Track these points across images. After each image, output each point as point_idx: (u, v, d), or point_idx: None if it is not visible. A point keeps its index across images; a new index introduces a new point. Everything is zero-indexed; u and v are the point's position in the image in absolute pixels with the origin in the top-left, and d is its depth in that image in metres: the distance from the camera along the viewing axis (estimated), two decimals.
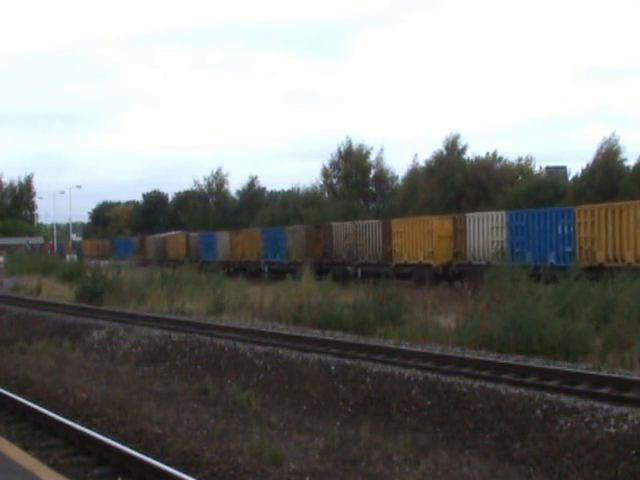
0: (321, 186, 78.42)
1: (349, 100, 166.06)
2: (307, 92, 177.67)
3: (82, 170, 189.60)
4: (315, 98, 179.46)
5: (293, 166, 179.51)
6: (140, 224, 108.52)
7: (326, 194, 77.85)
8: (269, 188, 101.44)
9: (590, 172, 53.26)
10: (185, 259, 51.70)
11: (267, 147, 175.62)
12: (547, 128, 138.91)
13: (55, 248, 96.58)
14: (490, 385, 12.66)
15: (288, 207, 77.22)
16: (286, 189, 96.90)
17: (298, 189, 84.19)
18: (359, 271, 41.83)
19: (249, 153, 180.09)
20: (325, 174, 77.16)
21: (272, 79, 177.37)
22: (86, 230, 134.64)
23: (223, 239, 59.07)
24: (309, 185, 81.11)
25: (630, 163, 52.99)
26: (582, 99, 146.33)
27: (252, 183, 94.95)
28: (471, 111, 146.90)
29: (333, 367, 15.07)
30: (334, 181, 77.15)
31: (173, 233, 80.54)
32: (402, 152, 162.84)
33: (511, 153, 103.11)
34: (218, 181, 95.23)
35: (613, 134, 54.42)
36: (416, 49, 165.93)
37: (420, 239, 39.38)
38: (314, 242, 48.51)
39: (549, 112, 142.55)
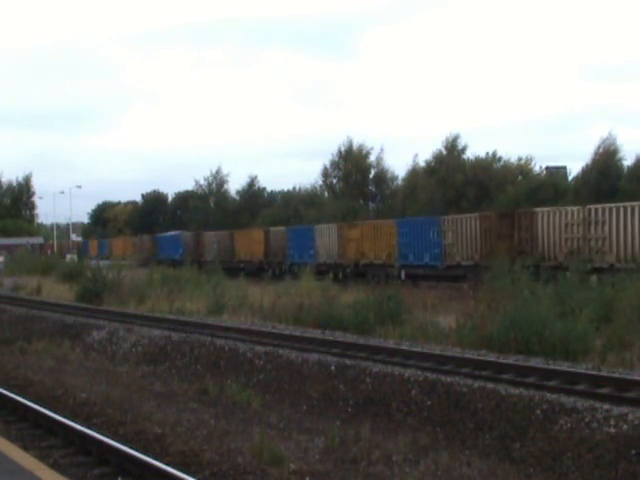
0: (320, 186, 78.56)
1: (350, 100, 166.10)
2: (309, 91, 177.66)
3: (82, 170, 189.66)
4: (317, 97, 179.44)
5: (293, 166, 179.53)
6: (139, 224, 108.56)
7: (326, 194, 77.94)
8: (269, 188, 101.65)
9: (588, 172, 53.35)
10: (264, 261, 47.79)
11: (267, 147, 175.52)
12: (547, 128, 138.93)
13: (59, 247, 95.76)
14: (490, 385, 12.66)
15: (289, 207, 77.35)
16: (286, 189, 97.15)
17: (299, 189, 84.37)
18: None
19: (249, 153, 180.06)
20: (325, 174, 77.27)
21: (273, 78, 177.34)
22: (86, 230, 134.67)
23: (327, 234, 46.55)
24: (309, 185, 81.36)
25: (629, 163, 53.14)
26: (583, 99, 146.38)
27: (252, 183, 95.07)
28: (471, 111, 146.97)
29: (333, 367, 15.08)
30: (334, 181, 77.25)
31: (248, 229, 63.53)
32: (402, 152, 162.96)
33: (511, 153, 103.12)
34: (218, 181, 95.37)
35: (610, 134, 54.55)
36: (416, 48, 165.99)
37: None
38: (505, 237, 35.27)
39: (549, 112, 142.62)
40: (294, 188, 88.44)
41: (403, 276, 37.41)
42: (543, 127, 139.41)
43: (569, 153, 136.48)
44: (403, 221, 42.80)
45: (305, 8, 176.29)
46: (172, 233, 76.68)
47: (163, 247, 67.83)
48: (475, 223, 35.61)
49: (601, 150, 53.31)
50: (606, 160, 52.41)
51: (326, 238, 45.62)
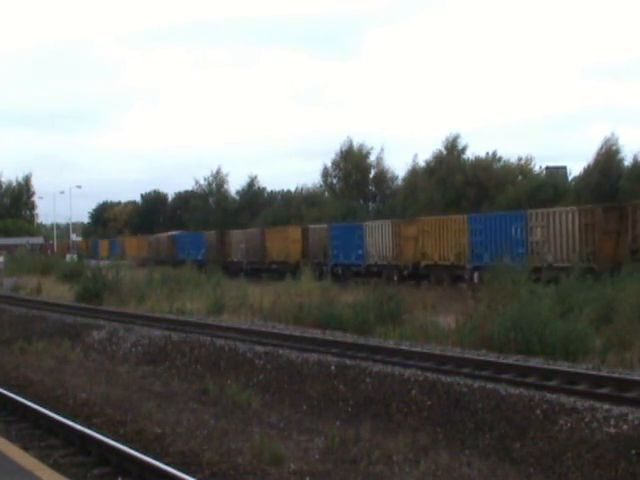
0: (321, 186, 78.56)
1: (350, 99, 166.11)
2: (309, 91, 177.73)
3: (83, 170, 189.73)
4: (317, 97, 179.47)
5: (293, 166, 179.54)
6: (139, 224, 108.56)
7: (326, 194, 77.95)
8: (269, 188, 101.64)
9: (589, 172, 53.35)
10: (301, 262, 41.68)
11: (267, 147, 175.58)
12: (547, 128, 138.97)
13: (59, 247, 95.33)
14: (490, 385, 12.66)
15: (290, 207, 77.33)
16: (286, 189, 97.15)
17: (301, 189, 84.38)
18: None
19: (249, 153, 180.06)
20: (325, 174, 77.27)
21: (273, 78, 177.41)
22: (86, 230, 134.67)
23: (380, 232, 41.48)
24: (310, 185, 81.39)
25: (629, 162, 53.09)
26: (583, 98, 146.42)
27: (252, 183, 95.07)
28: (471, 111, 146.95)
29: (333, 367, 15.08)
30: (334, 181, 77.26)
31: (283, 226, 57.91)
32: (402, 152, 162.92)
33: (511, 153, 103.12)
34: (218, 181, 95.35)
35: (612, 134, 54.54)
36: (416, 49, 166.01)
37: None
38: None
39: (549, 112, 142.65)
40: (297, 188, 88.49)
41: (476, 278, 32.54)
42: (543, 127, 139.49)
43: (569, 153, 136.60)
44: (477, 216, 37.96)
45: (305, 8, 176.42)
46: (190, 233, 72.52)
47: (183, 247, 63.37)
48: (573, 217, 31.31)
49: (603, 150, 53.29)
50: (607, 160, 52.39)
51: (378, 236, 41.19)
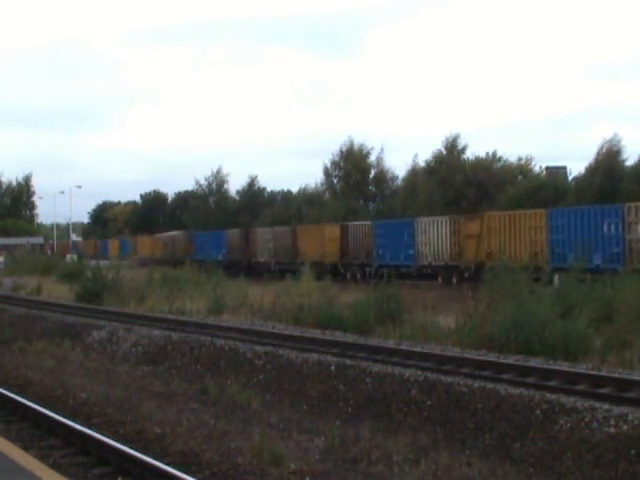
0: (322, 184, 78.50)
1: (350, 99, 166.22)
2: (309, 91, 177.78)
3: (83, 169, 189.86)
4: (317, 97, 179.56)
5: (293, 166, 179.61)
6: (139, 224, 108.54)
7: (327, 194, 77.91)
8: (269, 188, 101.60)
9: (590, 172, 53.30)
10: (339, 263, 40.39)
11: (267, 147, 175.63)
12: (547, 128, 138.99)
13: (59, 247, 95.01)
14: (490, 385, 12.66)
15: (291, 207, 77.28)
16: (286, 189, 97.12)
17: (303, 189, 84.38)
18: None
19: (249, 153, 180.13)
20: (327, 173, 77.23)
21: (274, 77, 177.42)
22: (86, 230, 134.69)
23: (434, 229, 37.62)
24: (312, 185, 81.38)
25: (631, 162, 53.04)
26: (583, 98, 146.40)
27: (252, 183, 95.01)
28: (471, 111, 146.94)
29: (333, 367, 15.08)
30: (335, 181, 77.23)
31: (319, 224, 52.71)
32: (402, 152, 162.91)
33: (511, 153, 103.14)
34: (218, 181, 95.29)
35: (615, 134, 54.48)
36: (416, 49, 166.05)
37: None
38: None
39: (549, 112, 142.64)
40: (299, 189, 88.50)
41: (557, 282, 28.48)
42: (543, 127, 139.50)
43: (569, 153, 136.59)
44: (559, 211, 34.21)
45: (306, 7, 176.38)
46: (208, 232, 67.85)
47: (201, 246, 59.84)
48: None
49: (604, 150, 53.24)
50: (609, 161, 52.36)
51: (432, 234, 37.42)
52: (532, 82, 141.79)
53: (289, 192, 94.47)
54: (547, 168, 69.91)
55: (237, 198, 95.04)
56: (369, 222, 44.05)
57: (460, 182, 61.39)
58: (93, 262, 49.25)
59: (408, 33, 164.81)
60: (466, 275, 34.08)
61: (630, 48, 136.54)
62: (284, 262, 47.14)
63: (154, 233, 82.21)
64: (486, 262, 32.56)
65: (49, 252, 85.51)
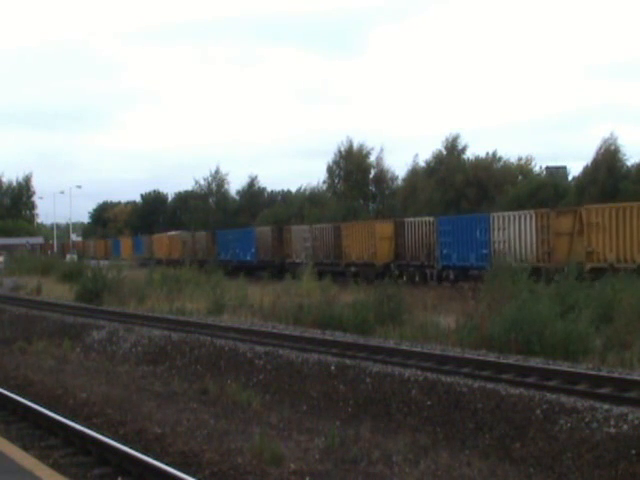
0: (325, 182, 78.51)
1: (350, 99, 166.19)
2: (310, 91, 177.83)
3: (83, 169, 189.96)
4: (318, 97, 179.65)
5: (293, 166, 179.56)
6: (139, 224, 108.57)
7: (327, 194, 77.96)
8: (270, 188, 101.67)
9: (590, 172, 53.32)
10: (394, 263, 35.76)
11: (267, 147, 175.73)
12: (547, 128, 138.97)
13: (60, 247, 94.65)
14: (490, 385, 12.66)
15: (292, 206, 77.27)
16: (286, 189, 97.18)
17: (305, 189, 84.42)
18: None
19: (249, 153, 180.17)
20: (330, 172, 77.22)
21: (275, 77, 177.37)
22: (86, 230, 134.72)
23: (514, 225, 33.27)
24: (314, 184, 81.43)
25: (632, 162, 53.06)
26: (583, 98, 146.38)
27: (252, 183, 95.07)
28: (471, 111, 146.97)
29: (333, 367, 15.07)
30: (336, 180, 77.29)
31: (368, 220, 49.90)
32: (402, 152, 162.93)
33: (511, 153, 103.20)
34: (218, 181, 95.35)
35: (612, 134, 54.52)
36: (416, 49, 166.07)
37: None
38: None
39: (549, 111, 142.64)
40: (299, 188, 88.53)
41: None
42: (543, 127, 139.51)
43: (569, 153, 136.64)
44: None
45: (306, 6, 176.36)
46: (236, 230, 62.67)
47: (226, 246, 54.90)
48: None
49: (602, 150, 53.29)
50: (607, 160, 52.39)
51: (513, 231, 32.99)
52: (532, 82, 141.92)
53: (289, 192, 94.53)
54: (547, 168, 70.01)
55: (237, 198, 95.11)
56: (431, 218, 39.44)
57: (460, 182, 61.42)
58: (93, 262, 49.12)
59: (408, 33, 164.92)
60: (556, 278, 25.88)
61: (630, 47, 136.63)
62: (326, 263, 42.65)
63: (154, 233, 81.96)
64: (586, 263, 28.80)
65: (49, 252, 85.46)
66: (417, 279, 36.37)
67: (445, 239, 36.40)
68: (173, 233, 73.61)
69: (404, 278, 30.47)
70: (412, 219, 41.03)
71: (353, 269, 39.16)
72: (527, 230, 32.44)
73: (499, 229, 33.66)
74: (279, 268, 43.99)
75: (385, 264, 38.26)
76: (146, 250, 68.30)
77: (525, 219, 32.80)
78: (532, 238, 32.18)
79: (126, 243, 78.02)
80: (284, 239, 48.80)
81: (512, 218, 33.45)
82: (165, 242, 66.67)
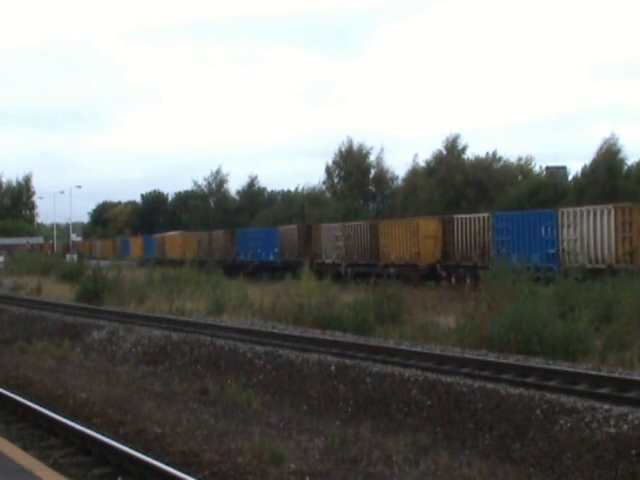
0: (324, 182, 78.52)
1: (350, 99, 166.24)
2: (310, 90, 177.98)
3: (83, 169, 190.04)
4: (318, 97, 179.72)
5: (294, 166, 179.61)
6: (139, 224, 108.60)
7: (327, 194, 77.95)
8: (270, 188, 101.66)
9: (590, 172, 53.32)
10: (440, 264, 34.07)
11: (267, 146, 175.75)
12: (548, 128, 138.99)
13: (61, 247, 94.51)
14: (490, 385, 12.66)
15: (292, 206, 77.22)
16: (286, 189, 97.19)
17: (303, 189, 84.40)
18: None
19: (249, 153, 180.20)
20: (329, 172, 77.23)
21: (275, 76, 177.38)
22: (86, 230, 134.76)
23: (590, 222, 30.15)
24: (314, 184, 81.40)
25: (632, 162, 53.06)
26: (584, 98, 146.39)
27: (252, 183, 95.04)
28: (471, 111, 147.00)
29: (333, 367, 15.07)
30: (335, 180, 77.27)
31: (409, 217, 46.86)
32: (402, 152, 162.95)
33: (511, 153, 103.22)
34: (218, 181, 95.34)
35: (612, 134, 54.52)
36: (416, 49, 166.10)
37: None
38: None
39: (549, 111, 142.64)
40: (296, 188, 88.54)
41: None
42: (543, 127, 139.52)
43: (569, 153, 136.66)
44: None
45: (305, 6, 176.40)
46: (261, 227, 59.30)
47: (246, 245, 51.59)
48: None
49: (603, 150, 53.29)
50: (607, 160, 52.39)
51: (585, 227, 30.02)
52: (532, 82, 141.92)
53: (289, 192, 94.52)
54: (547, 168, 69.97)
55: (237, 198, 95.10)
56: (486, 214, 36.06)
57: (460, 182, 61.41)
58: (93, 262, 49.06)
59: (408, 33, 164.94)
60: None
61: (631, 47, 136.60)
62: (360, 264, 40.09)
63: (154, 233, 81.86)
64: None
65: (49, 252, 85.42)
66: (469, 281, 32.37)
67: (503, 237, 33.34)
68: (173, 233, 73.52)
69: (453, 280, 28.43)
70: (463, 216, 37.54)
71: (392, 270, 35.05)
72: (604, 227, 29.14)
73: (569, 226, 30.60)
74: (308, 268, 42.07)
75: (430, 265, 35.88)
76: (158, 250, 65.37)
77: (602, 215, 29.45)
78: (610, 236, 28.79)
79: (136, 243, 74.55)
80: (312, 238, 45.95)
81: (585, 214, 30.36)
82: (178, 242, 63.50)
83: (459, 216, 37.71)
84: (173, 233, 73.13)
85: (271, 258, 47.91)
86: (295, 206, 76.49)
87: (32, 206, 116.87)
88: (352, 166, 74.55)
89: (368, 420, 12.67)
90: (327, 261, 43.51)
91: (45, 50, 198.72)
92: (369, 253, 40.90)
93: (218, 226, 71.89)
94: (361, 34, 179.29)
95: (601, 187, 49.97)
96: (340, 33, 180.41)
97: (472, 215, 37.30)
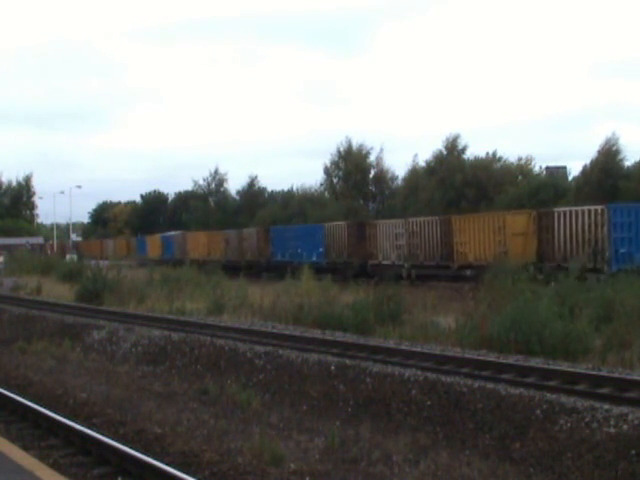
0: (322, 185, 78.54)
1: (350, 99, 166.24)
2: (310, 90, 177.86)
3: (83, 169, 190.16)
4: (318, 96, 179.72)
5: (294, 166, 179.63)
6: (139, 224, 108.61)
7: (326, 194, 77.96)
8: (270, 188, 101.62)
9: (590, 172, 53.37)
10: (535, 265, 29.52)
11: (267, 146, 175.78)
12: (547, 128, 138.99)
13: (60, 247, 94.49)
14: (490, 385, 12.66)
15: (289, 206, 77.17)
16: (286, 189, 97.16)
17: (299, 189, 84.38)
18: None
19: (249, 153, 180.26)
20: (327, 173, 77.24)
21: (276, 76, 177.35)
22: (86, 230, 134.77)
23: None
24: (311, 184, 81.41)
25: (631, 162, 53.08)
26: (584, 98, 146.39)
27: (252, 183, 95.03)
28: (471, 111, 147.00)
29: (333, 367, 15.07)
30: (334, 181, 77.28)
31: (491, 211, 42.13)
32: (402, 152, 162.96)
33: (511, 153, 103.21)
34: (218, 181, 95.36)
35: (613, 133, 54.53)
36: (415, 49, 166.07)
37: None
38: None
39: (550, 111, 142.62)
40: (294, 188, 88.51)
41: None
42: (543, 127, 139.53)
43: (569, 153, 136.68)
44: None
45: (305, 6, 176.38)
46: (302, 224, 54.48)
47: (284, 244, 47.56)
48: None
49: (604, 150, 53.33)
50: (608, 160, 52.42)
51: None
52: (532, 82, 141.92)
53: (289, 192, 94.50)
54: (547, 168, 70.01)
55: (237, 198, 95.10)
56: (599, 207, 30.66)
57: (460, 182, 61.42)
58: (93, 262, 49.03)
59: (407, 33, 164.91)
60: None
61: (631, 47, 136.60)
62: (428, 265, 35.83)
63: (155, 233, 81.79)
64: None
65: (49, 252, 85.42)
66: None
67: (621, 234, 28.79)
68: (173, 233, 73.45)
69: (552, 283, 24.06)
70: (566, 209, 32.64)
71: (469, 272, 31.98)
72: None
73: None
74: (358, 271, 37.94)
75: (520, 266, 28.86)
76: (178, 250, 60.88)
77: None
78: None
79: (153, 242, 69.22)
80: (367, 236, 41.20)
81: None
82: (202, 241, 58.61)
83: (560, 209, 32.80)
84: (173, 233, 72.69)
85: (314, 259, 43.39)
86: (292, 206, 76.44)
87: (32, 206, 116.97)
88: (352, 166, 74.56)
89: (368, 420, 12.67)
90: (385, 262, 39.33)
91: (46, 50, 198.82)
92: (440, 253, 35.92)
93: (218, 226, 71.85)
94: (361, 34, 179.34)
95: (601, 187, 50.00)
96: (340, 33, 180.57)
97: (579, 208, 31.98)
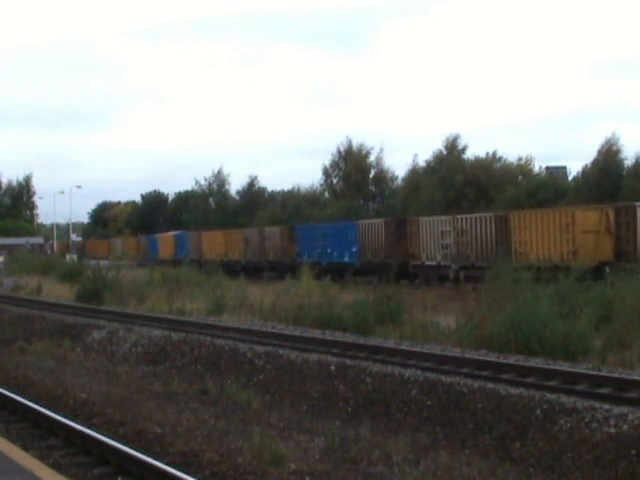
0: (321, 185, 78.53)
1: (351, 99, 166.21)
2: (310, 90, 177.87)
3: (83, 169, 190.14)
4: (318, 96, 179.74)
5: (294, 166, 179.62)
6: (139, 224, 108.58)
7: (326, 194, 77.95)
8: (270, 188, 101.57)
9: (590, 171, 53.38)
10: (611, 265, 27.31)
11: (267, 146, 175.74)
12: (547, 128, 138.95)
13: (60, 247, 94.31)
14: (490, 385, 12.66)
15: (288, 207, 77.14)
16: (286, 189, 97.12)
17: (298, 189, 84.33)
18: None
19: (249, 153, 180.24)
20: (326, 173, 77.24)
21: (276, 76, 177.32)
22: (86, 230, 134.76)
23: None
24: (310, 184, 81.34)
25: (631, 161, 53.05)
26: (584, 98, 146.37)
27: (252, 183, 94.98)
28: (471, 111, 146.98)
29: (333, 367, 15.07)
30: (334, 181, 77.26)
31: (560, 207, 39.30)
32: (402, 152, 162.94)
33: (511, 153, 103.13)
34: (218, 181, 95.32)
35: (614, 133, 54.53)
36: (415, 49, 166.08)
37: None
38: None
39: (550, 111, 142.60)
40: (293, 188, 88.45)
41: None
42: (543, 127, 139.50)
43: (569, 153, 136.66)
44: None
45: (306, 5, 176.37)
46: (334, 222, 50.61)
47: (311, 244, 44.25)
48: None
49: (604, 150, 53.33)
50: (608, 159, 52.43)
51: None
52: (532, 82, 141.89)
53: (289, 192, 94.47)
54: (547, 168, 70.00)
55: (237, 198, 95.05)
56: None
57: (460, 182, 61.42)
58: (93, 262, 49.00)
59: (409, 33, 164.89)
60: None
61: (631, 47, 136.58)
62: (479, 266, 32.01)
63: (155, 233, 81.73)
64: None
65: (49, 252, 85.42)
66: None
67: None
68: (173, 233, 73.22)
69: None
70: None
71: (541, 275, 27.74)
72: None
73: None
74: (397, 271, 35.68)
75: (593, 267, 27.08)
76: (193, 249, 57.69)
77: None
78: None
79: (165, 241, 66.13)
80: (407, 234, 38.15)
81: None
82: (219, 240, 55.62)
83: None
84: (173, 232, 72.30)
85: (346, 259, 41.05)
86: (290, 206, 76.37)
87: (32, 206, 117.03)
88: (351, 166, 74.55)
89: (368, 420, 12.66)
90: (429, 263, 36.67)
91: (45, 50, 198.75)
92: (494, 252, 32.30)
93: (218, 226, 71.77)
94: (362, 34, 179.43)
95: (601, 187, 49.98)
96: (340, 33, 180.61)
97: None
